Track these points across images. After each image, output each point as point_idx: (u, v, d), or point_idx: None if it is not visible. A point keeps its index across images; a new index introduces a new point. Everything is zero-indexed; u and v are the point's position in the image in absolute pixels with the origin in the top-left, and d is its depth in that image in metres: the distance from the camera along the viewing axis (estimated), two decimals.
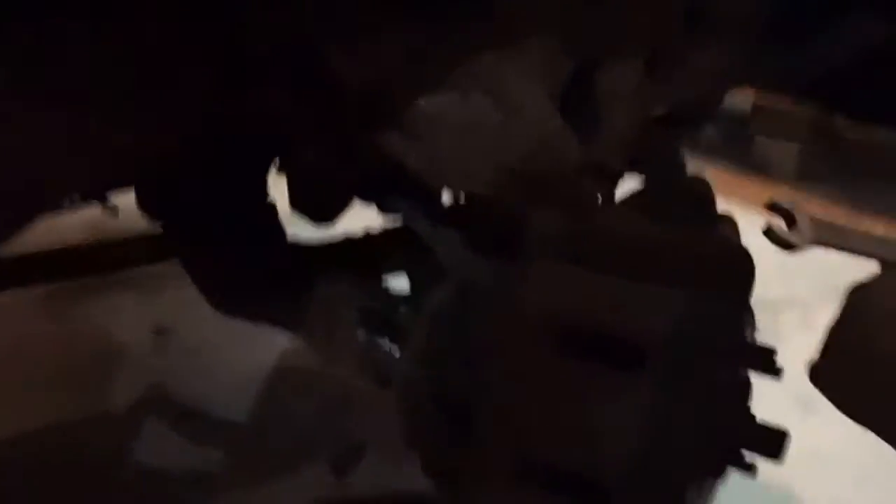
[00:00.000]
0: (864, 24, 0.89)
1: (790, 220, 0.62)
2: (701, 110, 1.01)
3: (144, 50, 0.53)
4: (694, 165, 0.97)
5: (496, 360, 0.50)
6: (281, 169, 0.72)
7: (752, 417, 0.54)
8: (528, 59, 0.68)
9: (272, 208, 0.78)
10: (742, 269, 0.54)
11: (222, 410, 1.31)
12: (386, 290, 0.79)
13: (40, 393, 1.31)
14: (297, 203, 0.71)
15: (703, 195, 0.64)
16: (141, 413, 1.31)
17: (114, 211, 0.78)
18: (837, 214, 2.43)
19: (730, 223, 0.66)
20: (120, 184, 0.75)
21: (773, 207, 0.62)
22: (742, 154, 2.71)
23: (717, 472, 0.54)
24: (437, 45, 0.66)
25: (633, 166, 1.01)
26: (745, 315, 0.54)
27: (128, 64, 0.53)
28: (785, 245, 0.62)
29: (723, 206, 0.82)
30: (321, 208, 0.72)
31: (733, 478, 0.69)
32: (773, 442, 0.53)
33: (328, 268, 0.78)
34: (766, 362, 0.54)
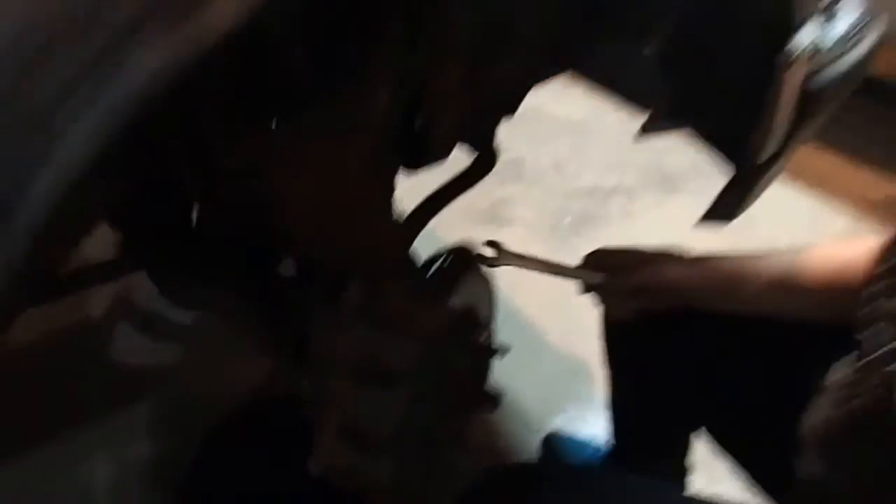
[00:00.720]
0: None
1: (498, 250, 0.91)
2: (511, 101, 1.24)
3: None
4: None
5: (331, 370, 0.82)
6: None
7: (483, 388, 0.89)
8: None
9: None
10: (476, 316, 0.85)
11: (178, 315, 1.59)
12: (278, 276, 1.08)
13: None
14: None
15: (465, 260, 0.93)
16: (112, 319, 1.60)
17: None
18: None
19: (484, 280, 0.96)
20: None
21: (489, 243, 0.91)
22: None
23: (465, 419, 0.89)
24: (295, 135, 0.90)
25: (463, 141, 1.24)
26: (481, 331, 0.87)
27: None
28: (491, 265, 0.90)
29: None
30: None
31: None
32: (493, 399, 0.89)
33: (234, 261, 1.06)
34: (492, 353, 0.88)
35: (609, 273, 0.92)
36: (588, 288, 0.96)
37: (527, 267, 0.93)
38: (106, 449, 1.37)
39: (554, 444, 1.31)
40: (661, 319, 0.90)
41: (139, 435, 1.39)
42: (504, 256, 0.91)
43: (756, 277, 0.83)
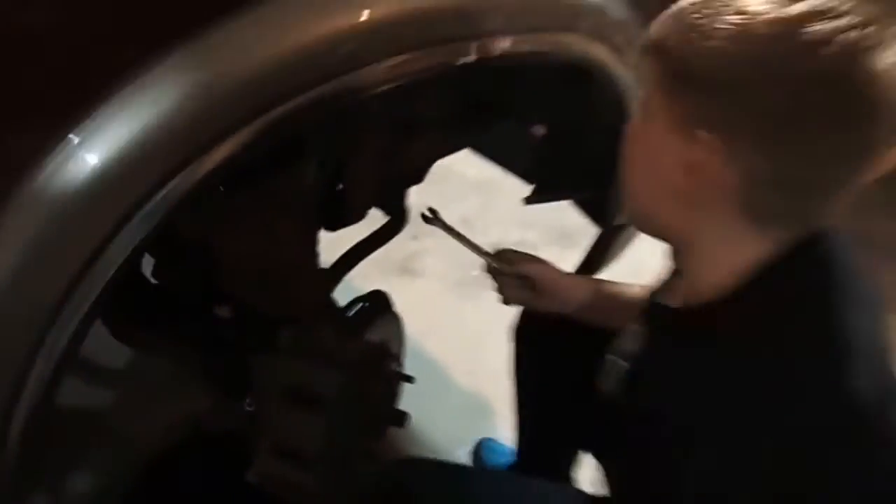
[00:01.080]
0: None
1: (434, 215, 1.10)
2: (418, 173, 1.45)
3: None
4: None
5: (265, 397, 1.00)
6: None
7: (394, 406, 1.08)
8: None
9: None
10: (388, 349, 1.05)
11: (109, 361, 1.72)
12: (216, 318, 1.25)
13: None
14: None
15: (379, 304, 1.13)
16: None
17: None
18: None
19: (395, 319, 1.16)
20: None
21: (429, 210, 1.11)
22: None
23: (378, 436, 1.07)
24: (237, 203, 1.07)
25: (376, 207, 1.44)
26: (391, 361, 1.06)
27: None
28: (427, 223, 1.11)
29: None
30: None
31: None
32: (401, 417, 1.08)
33: (179, 306, 1.22)
34: (402, 378, 1.07)
35: (507, 262, 1.14)
36: (490, 270, 1.17)
37: (451, 236, 1.16)
38: (45, 487, 1.46)
39: (480, 448, 1.54)
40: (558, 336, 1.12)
41: (77, 472, 1.49)
42: (438, 222, 1.14)
43: (613, 294, 1.09)
